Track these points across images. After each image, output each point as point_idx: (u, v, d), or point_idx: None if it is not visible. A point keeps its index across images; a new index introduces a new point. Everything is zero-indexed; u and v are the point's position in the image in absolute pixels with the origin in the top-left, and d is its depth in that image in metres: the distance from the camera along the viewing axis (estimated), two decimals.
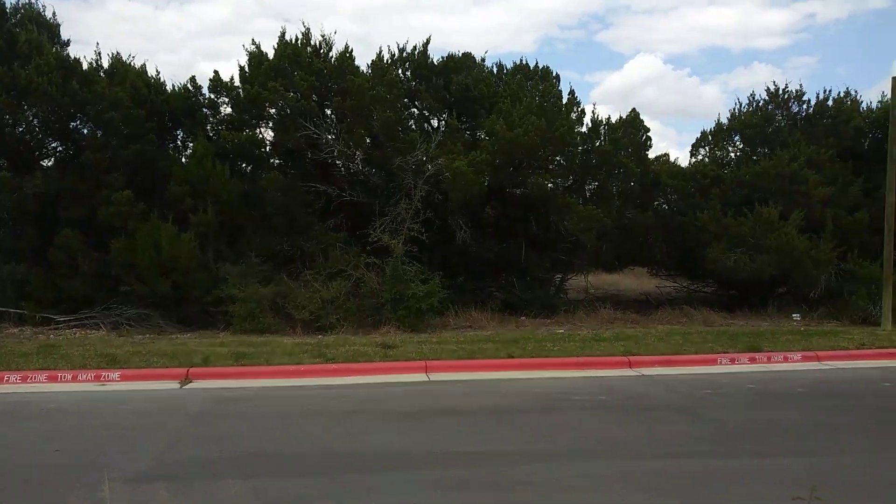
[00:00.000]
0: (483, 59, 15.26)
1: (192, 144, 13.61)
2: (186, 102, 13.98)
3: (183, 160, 13.64)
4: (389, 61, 14.41)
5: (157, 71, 14.33)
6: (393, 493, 4.88)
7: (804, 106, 15.45)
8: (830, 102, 15.40)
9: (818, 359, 10.30)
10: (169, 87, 14.10)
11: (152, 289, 12.14)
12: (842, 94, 15.63)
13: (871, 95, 57.91)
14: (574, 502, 4.80)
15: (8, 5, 13.16)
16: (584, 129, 14.50)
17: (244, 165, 14.04)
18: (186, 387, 8.51)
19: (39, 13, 13.59)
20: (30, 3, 13.52)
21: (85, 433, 6.42)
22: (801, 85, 18.04)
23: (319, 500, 4.79)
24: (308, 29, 14.02)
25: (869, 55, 65.56)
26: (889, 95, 13.39)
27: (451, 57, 14.70)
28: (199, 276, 12.33)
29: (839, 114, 15.22)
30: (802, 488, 4.23)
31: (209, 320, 12.56)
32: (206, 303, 12.39)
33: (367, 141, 13.65)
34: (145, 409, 7.43)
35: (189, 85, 14.18)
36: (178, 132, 14.29)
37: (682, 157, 31.42)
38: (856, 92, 15.83)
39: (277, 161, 14.36)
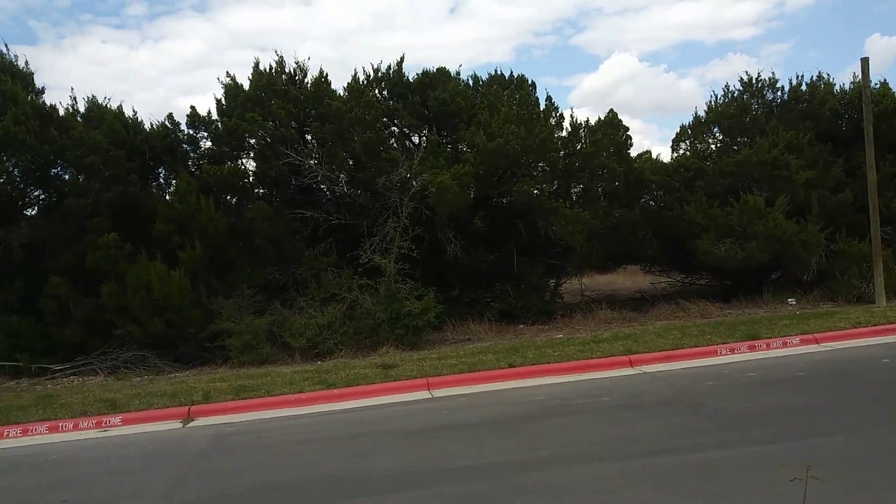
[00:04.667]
0: (458, 73, 15.33)
1: (174, 181, 13.59)
2: (165, 140, 13.98)
3: (167, 198, 13.63)
4: (365, 82, 14.48)
5: (133, 111, 14.37)
6: None
7: (778, 93, 15.56)
8: (804, 87, 15.51)
9: (816, 341, 10.34)
10: (147, 126, 14.10)
11: (147, 329, 12.06)
12: (815, 79, 15.79)
13: (844, 77, 58.65)
14: None
15: None
16: (563, 133, 14.55)
17: (228, 198, 14.00)
18: (189, 425, 8.44)
19: (12, 63, 13.55)
20: (1, 54, 13.52)
21: (91, 480, 6.37)
22: (773, 73, 18.16)
23: None
24: (281, 57, 14.13)
25: (839, 37, 66.46)
26: (860, 76, 13.55)
27: (425, 73, 14.76)
28: (192, 312, 12.26)
29: (814, 97, 15.34)
30: (802, 470, 4.26)
31: (207, 356, 12.47)
32: (202, 339, 12.32)
33: (350, 163, 13.69)
34: (149, 451, 7.37)
35: (167, 122, 14.20)
36: (159, 170, 14.24)
37: (666, 153, 31.61)
38: (828, 75, 16.04)
39: (262, 190, 14.35)
